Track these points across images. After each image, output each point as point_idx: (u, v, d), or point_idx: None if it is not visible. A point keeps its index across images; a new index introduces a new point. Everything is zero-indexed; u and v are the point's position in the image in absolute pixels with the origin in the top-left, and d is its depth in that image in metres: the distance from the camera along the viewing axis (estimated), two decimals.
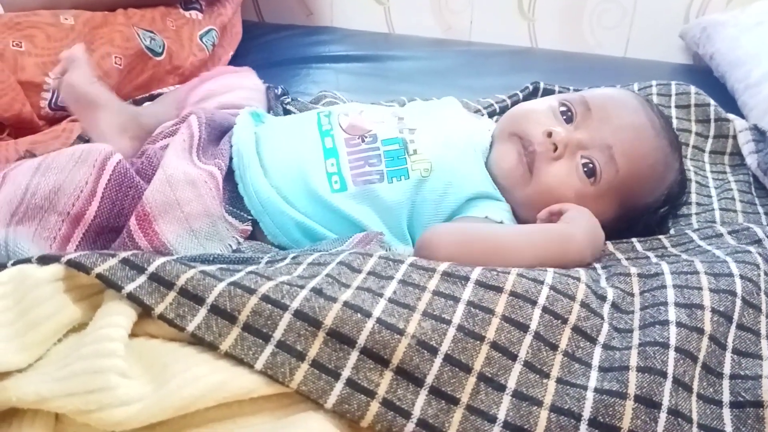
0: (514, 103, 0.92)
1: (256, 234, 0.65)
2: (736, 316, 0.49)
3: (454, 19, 1.46)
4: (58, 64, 0.88)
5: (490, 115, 0.91)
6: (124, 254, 0.45)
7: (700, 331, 0.47)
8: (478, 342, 0.44)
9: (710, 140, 0.87)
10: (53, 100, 0.88)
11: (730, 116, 0.88)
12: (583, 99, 0.69)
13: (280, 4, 1.55)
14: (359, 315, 0.43)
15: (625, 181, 0.66)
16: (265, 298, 0.44)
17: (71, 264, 0.44)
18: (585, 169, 0.66)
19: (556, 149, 0.66)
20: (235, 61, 1.21)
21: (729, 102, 1.02)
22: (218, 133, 0.67)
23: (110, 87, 0.92)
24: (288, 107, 0.87)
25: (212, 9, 1.16)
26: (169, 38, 1.04)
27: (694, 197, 0.77)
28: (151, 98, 0.91)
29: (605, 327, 0.49)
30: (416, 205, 0.66)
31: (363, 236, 0.61)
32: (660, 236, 0.65)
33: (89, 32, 0.93)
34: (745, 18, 1.15)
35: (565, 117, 0.69)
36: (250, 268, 0.48)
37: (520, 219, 0.68)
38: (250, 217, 0.64)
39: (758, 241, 0.60)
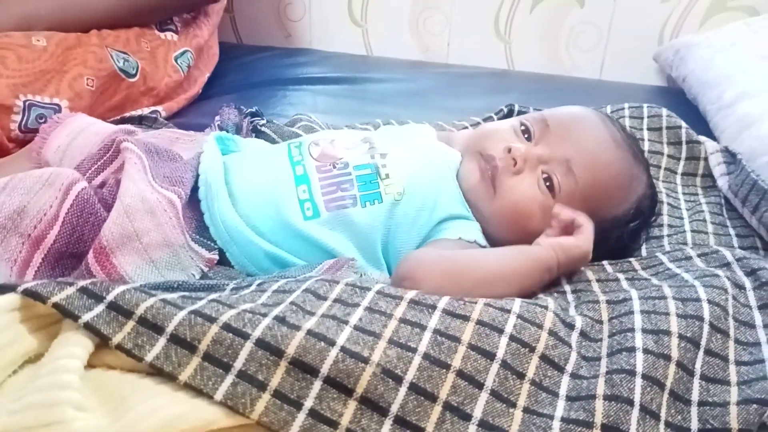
0: None
1: (223, 261, 0.64)
2: (703, 342, 0.49)
3: (431, 41, 1.47)
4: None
5: None
6: (82, 282, 0.44)
7: (667, 358, 0.47)
8: (444, 370, 0.44)
9: (682, 162, 0.88)
10: (23, 123, 0.87)
11: (702, 138, 0.89)
12: (542, 117, 0.72)
13: (258, 26, 1.56)
14: (323, 343, 0.43)
15: (587, 192, 0.67)
16: (227, 327, 0.43)
17: (28, 293, 0.43)
18: (547, 183, 0.67)
19: (516, 164, 0.67)
20: (213, 82, 1.21)
21: (702, 124, 1.03)
22: (166, 156, 0.66)
23: (83, 108, 0.92)
24: (263, 129, 0.87)
25: (188, 30, 1.16)
26: (143, 59, 1.03)
27: (666, 219, 0.77)
28: (124, 120, 0.90)
29: (573, 356, 0.49)
30: (390, 229, 0.65)
31: (333, 262, 0.61)
32: (631, 259, 0.66)
33: (62, 53, 0.92)
34: (718, 40, 1.16)
35: (526, 135, 0.71)
36: (212, 296, 0.47)
37: (489, 236, 0.68)
38: (216, 246, 0.63)
39: (727, 265, 0.60)
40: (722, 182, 0.82)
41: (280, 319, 0.44)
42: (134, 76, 1.01)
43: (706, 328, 0.49)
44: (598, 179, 0.67)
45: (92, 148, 0.65)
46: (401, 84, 1.28)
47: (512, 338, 0.47)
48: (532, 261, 0.62)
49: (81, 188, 0.55)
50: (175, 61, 1.09)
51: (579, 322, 0.52)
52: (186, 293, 0.48)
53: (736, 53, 1.10)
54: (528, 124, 0.71)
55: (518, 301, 0.51)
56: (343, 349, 0.43)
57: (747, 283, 0.57)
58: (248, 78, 1.27)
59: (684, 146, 0.88)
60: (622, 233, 0.70)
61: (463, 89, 1.27)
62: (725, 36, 1.17)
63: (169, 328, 0.43)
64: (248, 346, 0.42)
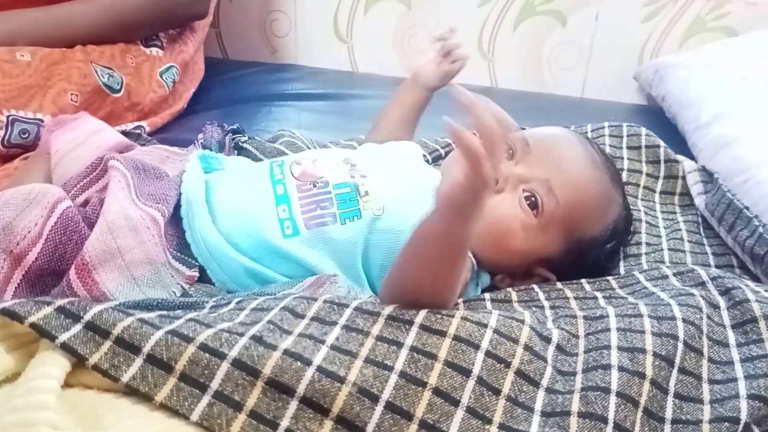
0: None
1: (204, 279, 0.64)
2: (677, 360, 0.50)
3: (417, 58, 1.48)
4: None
5: (448, 154, 0.93)
6: (60, 302, 0.44)
7: (642, 376, 0.47)
8: (420, 388, 0.44)
9: (660, 181, 0.89)
10: (6, 138, 0.87)
11: (680, 157, 0.90)
12: (522, 137, 0.72)
13: (244, 42, 1.57)
14: (299, 363, 0.43)
15: (567, 212, 0.67)
16: (203, 347, 0.43)
17: (5, 313, 0.43)
18: (528, 202, 0.67)
19: (497, 183, 0.68)
20: (198, 97, 1.22)
21: (680, 143, 1.04)
22: (152, 174, 0.66)
23: None
24: (245, 145, 0.87)
25: (173, 46, 1.16)
26: (128, 75, 1.03)
27: (644, 237, 0.78)
28: None
29: (548, 370, 0.49)
30: (370, 245, 0.66)
31: (314, 279, 0.61)
32: (608, 277, 0.66)
33: (46, 69, 0.92)
34: (697, 60, 1.18)
35: (506, 155, 0.71)
36: (190, 315, 0.47)
37: (472, 254, 0.69)
38: (197, 264, 0.63)
39: (702, 284, 0.61)
40: (699, 201, 0.84)
41: (257, 339, 0.44)
42: (119, 91, 1.01)
43: (680, 346, 0.50)
44: (578, 199, 0.68)
45: (87, 160, 0.66)
46: (386, 100, 1.28)
47: (488, 354, 0.47)
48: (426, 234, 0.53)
49: (66, 207, 0.55)
50: (160, 76, 1.10)
51: (556, 335, 0.52)
52: (164, 312, 0.48)
53: (714, 74, 1.11)
54: (510, 143, 0.72)
55: (495, 314, 0.51)
56: (319, 368, 0.43)
57: (721, 302, 0.57)
58: (233, 93, 1.27)
59: (662, 165, 0.89)
60: (600, 254, 0.71)
61: (448, 106, 1.27)
62: (703, 56, 1.19)
63: (146, 349, 0.43)
64: (225, 366, 0.42)
